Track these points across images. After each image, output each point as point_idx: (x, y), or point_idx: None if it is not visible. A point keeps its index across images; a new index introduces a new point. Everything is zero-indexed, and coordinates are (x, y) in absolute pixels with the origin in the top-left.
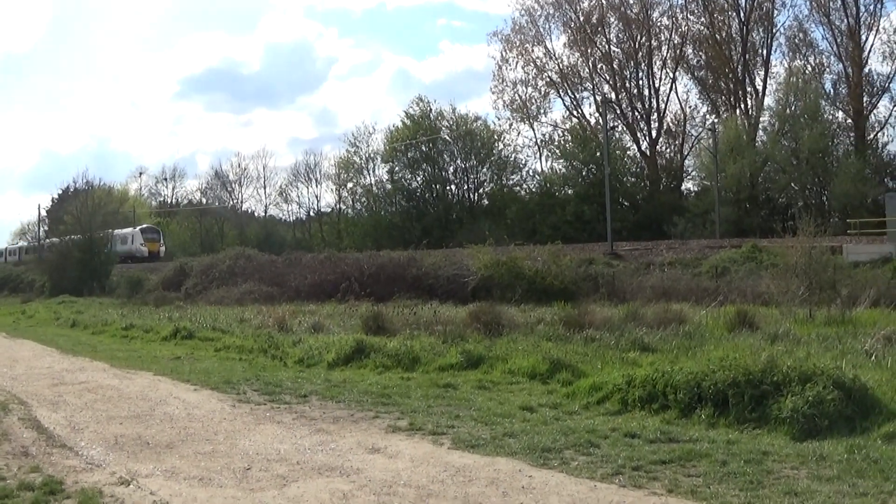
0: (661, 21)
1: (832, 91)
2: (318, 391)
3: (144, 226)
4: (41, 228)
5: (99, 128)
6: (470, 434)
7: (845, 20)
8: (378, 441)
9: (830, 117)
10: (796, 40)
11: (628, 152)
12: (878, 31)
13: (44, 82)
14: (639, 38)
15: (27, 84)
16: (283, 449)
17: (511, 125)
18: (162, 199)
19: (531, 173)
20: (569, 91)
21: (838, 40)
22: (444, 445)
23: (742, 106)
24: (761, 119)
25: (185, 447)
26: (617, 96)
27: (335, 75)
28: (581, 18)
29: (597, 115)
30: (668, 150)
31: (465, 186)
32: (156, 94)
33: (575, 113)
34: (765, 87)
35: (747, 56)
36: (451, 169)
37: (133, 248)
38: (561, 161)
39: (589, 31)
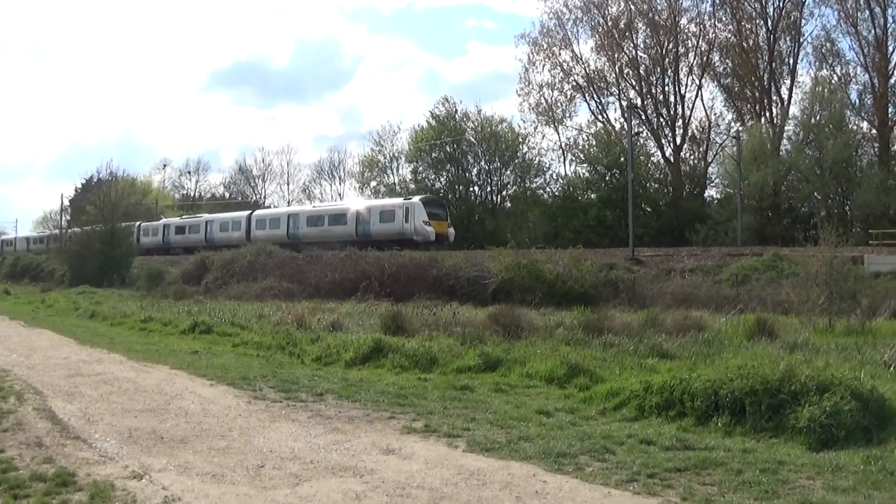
0: (688, 28)
1: (857, 101)
2: (334, 390)
3: (426, 196)
4: (63, 218)
5: (125, 119)
6: (485, 437)
7: (873, 31)
8: (393, 442)
9: (855, 127)
10: (823, 50)
11: (652, 158)
12: None
13: (71, 72)
14: (666, 44)
15: (55, 73)
16: (297, 447)
17: (536, 128)
18: (185, 192)
19: (554, 177)
20: (594, 95)
21: (865, 51)
22: (458, 448)
23: (767, 114)
24: (786, 128)
25: (199, 443)
26: (642, 102)
27: (363, 73)
28: (609, 23)
29: (622, 120)
30: (691, 157)
31: (489, 188)
32: (183, 86)
33: (600, 117)
34: (790, 96)
35: (774, 65)
36: (475, 170)
37: (409, 227)
38: (585, 165)
39: (616, 35)
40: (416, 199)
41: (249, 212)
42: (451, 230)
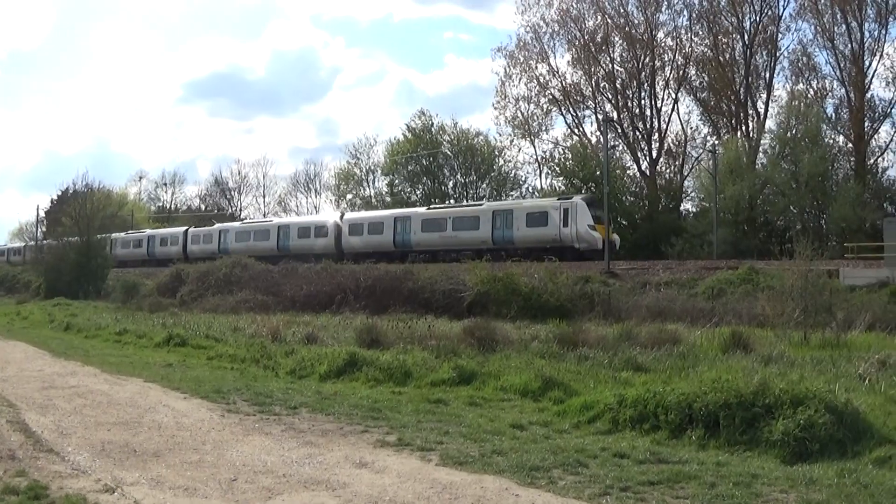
0: (665, 42)
1: (834, 115)
2: (308, 403)
3: (589, 194)
4: (39, 229)
5: (101, 129)
6: (458, 451)
7: (849, 45)
8: (366, 455)
9: (831, 141)
10: (799, 64)
11: (628, 172)
12: (881, 56)
13: (48, 82)
14: (642, 57)
15: (32, 83)
16: (269, 461)
17: (512, 141)
18: (161, 203)
19: (530, 190)
20: (571, 109)
21: (842, 65)
22: (431, 462)
23: (743, 128)
24: (762, 142)
25: (172, 456)
26: (618, 115)
27: (340, 85)
28: (586, 37)
29: (598, 133)
30: (667, 171)
31: (465, 201)
32: (159, 97)
33: (576, 131)
34: (766, 110)
35: (750, 79)
36: (451, 183)
37: (569, 232)
38: (560, 179)
39: (593, 49)
40: (577, 197)
41: (339, 214)
42: (616, 236)
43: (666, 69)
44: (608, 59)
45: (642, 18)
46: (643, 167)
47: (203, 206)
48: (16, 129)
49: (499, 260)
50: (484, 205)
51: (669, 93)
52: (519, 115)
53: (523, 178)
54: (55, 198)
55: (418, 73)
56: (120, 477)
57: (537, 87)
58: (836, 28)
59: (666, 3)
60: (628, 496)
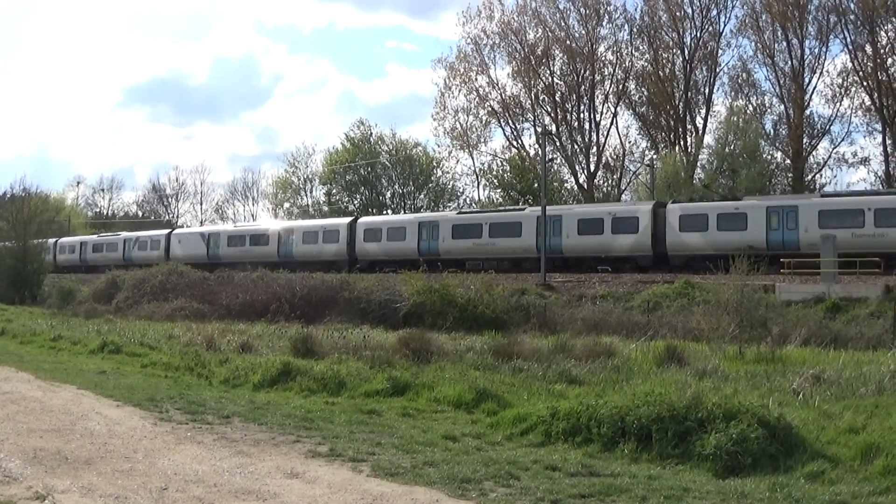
0: (605, 55)
1: (772, 131)
2: (241, 412)
3: None
4: None
5: (40, 134)
6: (390, 462)
7: (789, 62)
8: (297, 466)
9: (769, 157)
10: (739, 80)
11: (566, 185)
12: (821, 73)
13: None
14: (583, 71)
15: None
16: (201, 470)
17: (450, 153)
18: (98, 209)
19: (468, 201)
20: (510, 121)
21: (781, 81)
22: (363, 473)
23: (682, 143)
24: (700, 157)
25: (104, 464)
26: (557, 128)
27: (281, 92)
28: (526, 50)
29: (536, 146)
30: (605, 184)
31: (402, 212)
32: (98, 102)
33: (515, 143)
34: (705, 125)
35: (689, 94)
36: (389, 194)
37: None
38: (498, 191)
39: (533, 62)
40: None
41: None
42: None
43: (606, 83)
44: (548, 72)
45: (583, 32)
46: (581, 180)
47: (140, 213)
48: None
49: None
50: None
51: (609, 106)
52: (458, 126)
53: (461, 190)
54: None
55: (360, 81)
56: (51, 484)
57: (477, 99)
58: (776, 45)
59: (607, 17)
60: None
